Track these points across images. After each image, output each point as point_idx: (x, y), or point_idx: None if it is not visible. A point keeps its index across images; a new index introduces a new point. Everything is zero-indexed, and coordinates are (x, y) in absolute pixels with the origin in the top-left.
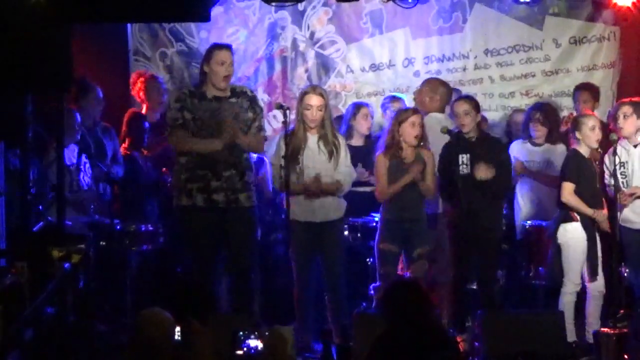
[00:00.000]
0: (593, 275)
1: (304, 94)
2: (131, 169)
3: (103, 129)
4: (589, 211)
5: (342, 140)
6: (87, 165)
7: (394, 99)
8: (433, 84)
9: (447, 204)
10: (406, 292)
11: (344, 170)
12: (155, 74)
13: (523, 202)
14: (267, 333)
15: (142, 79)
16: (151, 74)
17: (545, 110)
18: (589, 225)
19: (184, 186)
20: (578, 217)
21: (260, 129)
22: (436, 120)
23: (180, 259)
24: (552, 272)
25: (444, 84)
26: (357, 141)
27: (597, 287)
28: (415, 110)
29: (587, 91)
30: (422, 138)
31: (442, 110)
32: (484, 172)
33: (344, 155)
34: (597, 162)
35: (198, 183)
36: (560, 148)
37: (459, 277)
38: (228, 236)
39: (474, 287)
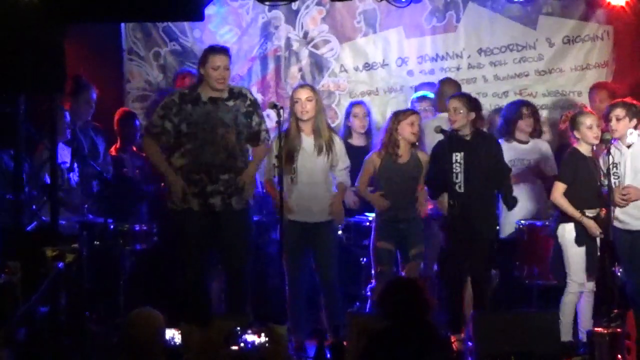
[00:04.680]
0: (589, 274)
1: (293, 91)
2: (117, 171)
3: (95, 129)
4: (576, 214)
5: (338, 140)
6: (76, 164)
7: (422, 98)
8: (443, 84)
9: (439, 203)
10: (403, 291)
11: (345, 174)
12: (194, 71)
13: None
14: (263, 331)
15: (187, 78)
16: (192, 72)
17: (531, 105)
18: (582, 227)
19: None
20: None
21: (269, 134)
22: (443, 120)
23: (174, 260)
24: (556, 270)
25: (451, 83)
26: (356, 140)
27: (590, 286)
28: (413, 111)
29: (604, 90)
30: (418, 138)
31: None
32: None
33: (341, 156)
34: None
35: (193, 187)
36: (544, 143)
37: (456, 278)
38: (222, 238)
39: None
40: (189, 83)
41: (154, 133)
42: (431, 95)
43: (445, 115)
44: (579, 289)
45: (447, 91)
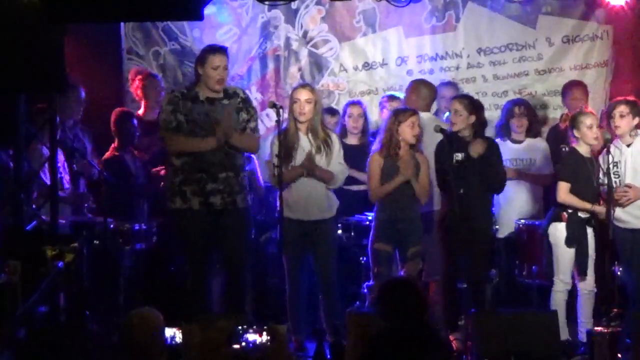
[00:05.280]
0: (581, 275)
1: (292, 90)
2: (119, 171)
3: (82, 130)
4: (587, 206)
5: (334, 138)
6: (66, 164)
7: (392, 97)
8: (414, 84)
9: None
10: (400, 291)
11: (337, 167)
12: (152, 72)
13: (504, 201)
14: (264, 330)
15: (140, 76)
16: (149, 71)
17: (525, 104)
18: (577, 226)
19: (178, 189)
20: (566, 217)
21: (255, 129)
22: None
23: (173, 260)
24: (546, 270)
25: (426, 83)
26: (351, 140)
27: (587, 286)
28: (414, 111)
29: (580, 88)
30: (418, 139)
31: (427, 109)
32: (479, 147)
33: (337, 152)
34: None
35: (193, 186)
36: (542, 143)
37: (450, 277)
38: (222, 237)
39: (466, 286)
40: (139, 83)
41: (172, 128)
42: (400, 95)
43: (422, 115)
44: (564, 287)
45: (422, 91)
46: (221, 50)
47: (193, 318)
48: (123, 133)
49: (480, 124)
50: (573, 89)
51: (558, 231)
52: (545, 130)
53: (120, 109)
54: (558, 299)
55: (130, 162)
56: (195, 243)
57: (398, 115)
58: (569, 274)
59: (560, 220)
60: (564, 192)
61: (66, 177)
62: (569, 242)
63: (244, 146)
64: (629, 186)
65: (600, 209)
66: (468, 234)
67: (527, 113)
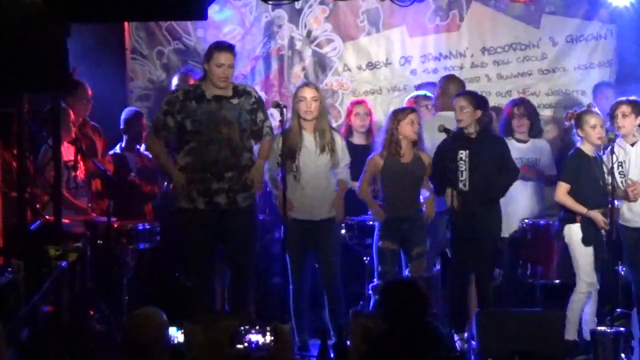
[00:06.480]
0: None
1: (297, 89)
2: (118, 170)
3: (92, 128)
4: (582, 210)
5: (339, 138)
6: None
7: (425, 97)
8: (443, 82)
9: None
10: (402, 291)
11: (345, 172)
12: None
13: (508, 200)
14: (269, 329)
15: (191, 81)
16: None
17: (525, 104)
18: (592, 226)
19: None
20: (579, 218)
21: (272, 130)
22: (445, 119)
23: (177, 259)
24: (564, 270)
25: (455, 81)
26: (357, 139)
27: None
28: (413, 110)
29: (610, 88)
30: (419, 137)
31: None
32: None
33: (343, 155)
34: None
35: (198, 185)
36: (544, 143)
37: (459, 277)
38: (227, 236)
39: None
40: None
41: (159, 128)
42: (430, 94)
43: (445, 114)
44: (588, 288)
45: (451, 89)
46: (228, 48)
47: (196, 318)
48: (133, 132)
49: (489, 119)
50: (602, 87)
51: (573, 232)
52: (548, 129)
53: (131, 109)
54: (579, 300)
55: (132, 162)
56: (199, 242)
57: (397, 115)
58: (592, 274)
59: (574, 221)
60: (562, 192)
61: (80, 175)
62: (585, 242)
63: (268, 158)
64: (636, 183)
65: (595, 214)
66: (473, 232)
67: (527, 113)
